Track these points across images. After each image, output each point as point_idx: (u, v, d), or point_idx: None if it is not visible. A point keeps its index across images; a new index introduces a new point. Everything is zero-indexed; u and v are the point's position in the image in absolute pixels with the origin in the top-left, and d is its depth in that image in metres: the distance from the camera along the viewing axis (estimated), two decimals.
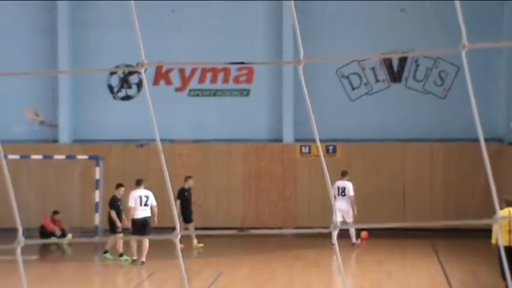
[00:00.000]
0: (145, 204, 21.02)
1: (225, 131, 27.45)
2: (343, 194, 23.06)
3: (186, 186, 23.47)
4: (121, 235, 21.53)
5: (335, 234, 22.37)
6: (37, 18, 27.52)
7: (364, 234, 24.41)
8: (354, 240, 23.26)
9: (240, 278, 19.28)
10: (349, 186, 23.22)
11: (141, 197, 21.10)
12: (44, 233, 24.48)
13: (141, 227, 20.84)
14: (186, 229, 22.16)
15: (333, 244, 21.47)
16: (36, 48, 27.64)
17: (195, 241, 23.20)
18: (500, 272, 18.06)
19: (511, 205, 17.65)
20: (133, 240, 21.48)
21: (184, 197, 23.27)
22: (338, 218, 21.51)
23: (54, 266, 22.00)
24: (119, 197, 21.89)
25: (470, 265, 18.80)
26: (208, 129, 27.48)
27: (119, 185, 22.00)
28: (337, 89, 27.36)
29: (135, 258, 21.07)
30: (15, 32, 27.49)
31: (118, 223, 21.52)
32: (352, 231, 23.13)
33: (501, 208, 18.18)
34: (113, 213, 21.60)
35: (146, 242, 20.65)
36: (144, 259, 20.81)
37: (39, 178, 25.59)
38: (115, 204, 21.78)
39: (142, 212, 21.01)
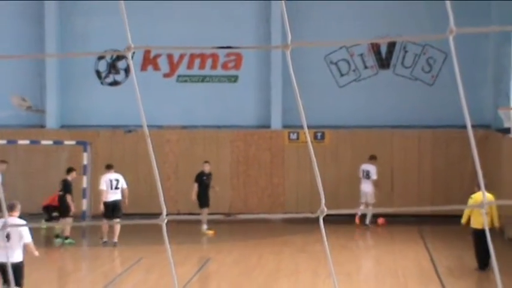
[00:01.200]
0: (116, 188, 21.96)
1: (213, 117, 27.42)
2: (367, 176, 24.60)
3: (206, 171, 23.62)
4: (71, 219, 21.84)
5: (369, 215, 24.08)
6: (24, 4, 27.38)
7: (380, 220, 24.55)
8: (367, 221, 23.99)
9: (227, 264, 19.32)
10: (373, 169, 24.54)
11: (111, 181, 22.00)
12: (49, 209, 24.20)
13: (112, 209, 21.74)
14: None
15: (366, 224, 24.02)
16: (23, 34, 27.50)
17: (204, 226, 23.29)
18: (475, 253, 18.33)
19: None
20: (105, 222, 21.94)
21: (202, 181, 23.51)
22: (362, 199, 24.16)
23: (40, 252, 21.95)
24: (70, 180, 22.45)
25: (457, 251, 18.88)
26: (196, 115, 27.44)
27: (71, 169, 22.58)
28: (325, 75, 27.35)
29: (105, 240, 21.74)
30: (3, 18, 27.35)
31: (72, 207, 22.13)
32: (369, 214, 24.16)
33: (474, 192, 18.44)
34: (69, 197, 22.14)
35: (118, 224, 21.46)
36: (116, 240, 21.50)
37: (26, 163, 25.51)
38: (69, 188, 22.28)
39: (112, 195, 21.91)
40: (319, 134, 26.85)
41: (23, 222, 14.22)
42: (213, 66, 27.71)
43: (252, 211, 26.30)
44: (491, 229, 18.08)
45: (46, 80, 27.44)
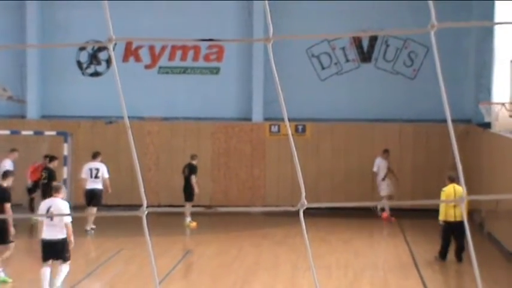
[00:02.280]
0: (96, 177, 22.38)
1: (194, 109, 27.39)
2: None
3: (194, 163, 23.70)
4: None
5: (385, 205, 24.43)
6: None
7: (384, 215, 24.64)
8: (379, 213, 24.79)
9: (207, 256, 19.33)
10: (378, 163, 25.11)
11: (91, 170, 22.48)
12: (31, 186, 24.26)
13: (91, 197, 22.29)
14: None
15: (381, 212, 24.55)
16: (4, 24, 27.36)
17: (188, 219, 23.26)
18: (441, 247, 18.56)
19: (454, 181, 18.38)
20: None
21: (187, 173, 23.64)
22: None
23: (23, 242, 21.89)
24: (53, 168, 23.12)
25: (437, 245, 18.97)
26: (177, 107, 27.40)
27: (53, 158, 23.23)
28: (307, 68, 27.37)
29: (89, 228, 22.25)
30: None
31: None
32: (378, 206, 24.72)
33: (445, 185, 18.64)
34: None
35: (94, 210, 21.87)
36: (89, 227, 22.04)
37: (6, 154, 25.35)
38: (53, 176, 22.74)
39: (91, 184, 22.39)
40: (300, 127, 26.88)
41: (66, 204, 15.31)
42: (195, 58, 27.67)
43: (232, 203, 26.32)
44: (460, 222, 18.25)
45: (27, 70, 27.32)
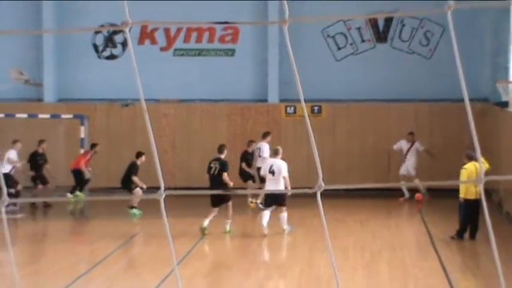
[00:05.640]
0: None
1: (210, 91, 27.39)
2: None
3: (250, 150, 23.73)
4: (140, 191, 21.97)
5: (404, 187, 24.49)
6: None
7: (418, 196, 24.56)
8: (406, 195, 24.70)
9: (225, 238, 19.37)
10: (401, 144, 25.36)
11: None
12: (77, 173, 24.56)
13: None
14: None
15: (403, 197, 24.57)
16: (21, 9, 27.40)
17: (249, 199, 23.86)
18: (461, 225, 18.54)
19: (472, 159, 18.33)
20: None
21: (246, 160, 23.96)
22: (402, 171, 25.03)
23: (41, 225, 22.04)
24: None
25: (454, 225, 18.93)
26: (193, 89, 27.41)
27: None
28: (322, 49, 27.29)
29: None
30: None
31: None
32: (404, 188, 24.68)
33: (464, 163, 18.59)
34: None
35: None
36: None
37: (23, 137, 25.47)
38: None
39: None
40: (316, 108, 26.84)
41: (283, 163, 19.02)
42: (210, 40, 27.63)
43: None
44: (478, 200, 18.21)
45: (43, 54, 27.37)
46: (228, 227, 19.50)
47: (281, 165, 19.16)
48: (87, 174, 24.48)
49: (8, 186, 22.76)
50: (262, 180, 21.98)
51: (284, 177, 19.02)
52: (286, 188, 18.83)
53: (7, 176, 22.93)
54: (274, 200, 19.35)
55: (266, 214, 19.26)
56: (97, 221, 22.19)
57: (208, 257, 18.04)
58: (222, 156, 19.89)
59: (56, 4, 27.26)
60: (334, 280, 14.23)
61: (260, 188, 22.90)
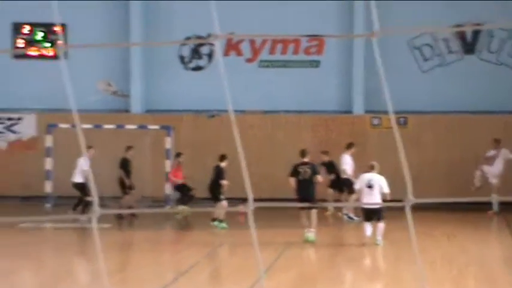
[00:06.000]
0: None
1: (294, 102, 27.41)
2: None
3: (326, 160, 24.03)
4: (225, 203, 21.85)
5: (494, 201, 24.08)
6: None
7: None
8: (494, 208, 24.22)
9: (309, 248, 19.33)
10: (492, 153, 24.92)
11: None
12: (180, 187, 24.88)
13: None
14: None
15: (492, 210, 24.26)
16: (109, 21, 27.92)
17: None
18: None
19: None
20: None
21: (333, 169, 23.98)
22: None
23: (127, 235, 22.35)
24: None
25: None
26: (278, 101, 27.47)
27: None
28: (408, 60, 27.07)
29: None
30: (90, 6, 27.75)
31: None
32: (495, 200, 24.23)
33: None
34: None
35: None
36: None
37: (111, 147, 25.91)
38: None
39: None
40: (401, 120, 26.61)
41: (382, 178, 18.93)
42: (295, 52, 27.68)
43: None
44: None
45: (131, 66, 27.81)
46: (312, 236, 19.45)
47: (381, 181, 19.14)
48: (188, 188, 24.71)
49: (85, 194, 23.12)
50: (350, 191, 21.96)
51: (385, 194, 18.92)
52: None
53: (83, 185, 23.23)
54: (374, 215, 19.22)
55: (368, 228, 19.19)
56: (182, 230, 22.37)
57: (293, 268, 18.01)
58: (306, 160, 19.98)
59: (143, 17, 27.67)
60: None
61: (338, 200, 22.94)
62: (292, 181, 19.83)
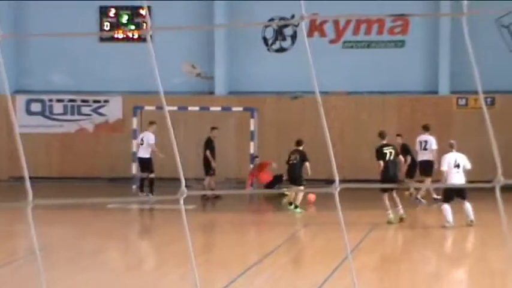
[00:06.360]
0: (425, 149, 23.06)
1: (378, 83, 27.20)
2: None
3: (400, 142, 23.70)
4: (303, 187, 21.62)
5: None
6: None
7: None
8: None
9: (392, 231, 19.23)
10: None
11: (420, 142, 23.18)
12: (271, 183, 25.14)
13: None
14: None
15: None
16: (193, 3, 28.09)
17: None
18: None
19: None
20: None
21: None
22: None
23: (211, 216, 22.55)
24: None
25: None
26: (362, 81, 27.30)
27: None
28: (496, 39, 26.55)
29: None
30: None
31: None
32: None
33: None
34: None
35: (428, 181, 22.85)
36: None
37: (195, 129, 26.14)
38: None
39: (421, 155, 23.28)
40: (488, 100, 26.16)
41: (463, 155, 19.02)
42: (379, 32, 27.43)
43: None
44: None
45: (215, 48, 27.96)
46: (395, 217, 19.37)
47: (465, 159, 19.04)
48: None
49: (147, 170, 23.31)
50: (428, 173, 21.73)
51: (468, 170, 18.84)
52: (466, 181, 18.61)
53: (149, 160, 23.44)
54: (458, 194, 18.98)
55: (448, 209, 18.88)
56: (264, 212, 22.45)
57: (377, 250, 17.92)
58: (385, 142, 19.88)
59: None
60: None
61: (421, 181, 22.70)
62: (381, 164, 19.73)
